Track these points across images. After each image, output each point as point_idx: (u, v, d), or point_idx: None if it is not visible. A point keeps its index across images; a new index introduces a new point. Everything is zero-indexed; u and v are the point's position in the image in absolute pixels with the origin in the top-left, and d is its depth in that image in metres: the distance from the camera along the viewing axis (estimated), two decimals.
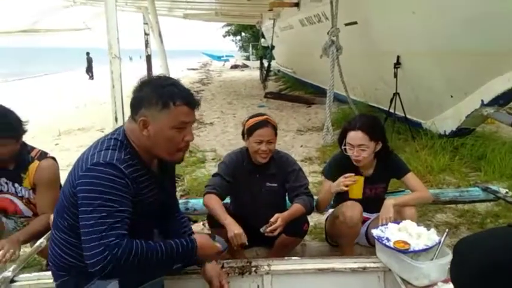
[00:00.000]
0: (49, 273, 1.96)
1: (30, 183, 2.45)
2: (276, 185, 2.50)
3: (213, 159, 5.64)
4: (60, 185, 2.69)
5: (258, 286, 2.01)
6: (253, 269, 1.99)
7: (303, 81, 12.90)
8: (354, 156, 2.39)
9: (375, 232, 1.97)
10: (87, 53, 23.75)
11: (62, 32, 10.20)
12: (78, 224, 1.46)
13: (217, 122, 8.52)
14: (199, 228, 3.48)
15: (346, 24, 6.47)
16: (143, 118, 1.50)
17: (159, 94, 1.50)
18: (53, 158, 2.53)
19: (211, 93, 13.75)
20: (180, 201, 3.31)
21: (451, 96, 5.23)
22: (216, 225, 2.34)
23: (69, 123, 8.70)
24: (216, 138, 7.08)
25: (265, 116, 2.48)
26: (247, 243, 2.17)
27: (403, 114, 5.88)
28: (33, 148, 2.51)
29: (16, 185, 2.48)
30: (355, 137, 2.37)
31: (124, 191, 1.44)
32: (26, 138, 2.51)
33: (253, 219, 2.39)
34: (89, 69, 23.53)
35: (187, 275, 1.92)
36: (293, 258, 2.07)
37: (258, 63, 19.26)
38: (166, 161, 1.67)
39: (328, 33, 5.95)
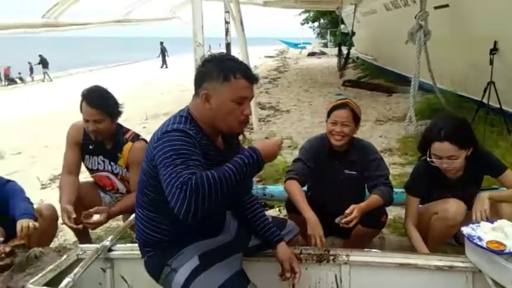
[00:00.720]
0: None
1: (124, 163, 2.67)
2: (355, 172, 2.46)
3: (289, 146, 5.66)
4: None
5: (336, 275, 2.00)
6: (331, 257, 1.99)
7: (384, 69, 12.31)
8: (444, 168, 2.22)
9: (465, 230, 1.85)
10: (161, 43, 25.13)
11: (152, 22, 10.79)
12: (158, 197, 1.56)
13: (294, 110, 8.51)
14: (275, 214, 3.54)
15: (436, 8, 6.02)
16: (205, 91, 1.59)
17: (220, 68, 1.58)
18: (145, 140, 2.72)
19: (287, 80, 13.72)
20: (258, 186, 3.40)
21: None
22: (293, 211, 2.36)
23: (155, 108, 9.27)
24: (292, 125, 7.08)
25: (346, 100, 2.47)
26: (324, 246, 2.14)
27: (498, 105, 5.36)
28: (128, 130, 2.72)
29: (112, 163, 2.71)
30: (443, 148, 2.16)
31: (194, 147, 1.51)
32: (119, 121, 2.73)
33: (331, 206, 2.37)
34: (163, 59, 24.88)
35: (265, 258, 1.98)
36: (373, 250, 2.03)
37: (335, 50, 18.78)
38: (229, 137, 1.76)
39: (415, 17, 5.60)
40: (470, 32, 5.87)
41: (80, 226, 2.40)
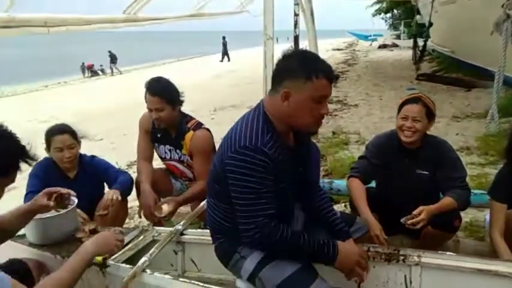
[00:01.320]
0: (208, 230, 2.23)
1: (187, 151, 2.76)
2: (427, 172, 2.31)
3: (356, 141, 5.52)
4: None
5: (405, 276, 1.93)
6: (401, 258, 1.92)
7: (462, 62, 11.47)
8: None
9: None
10: (223, 37, 25.92)
11: (222, 16, 11.05)
12: (227, 193, 1.62)
13: (362, 104, 8.26)
14: (341, 209, 3.49)
15: None
16: (286, 90, 1.57)
17: (303, 66, 1.56)
18: (207, 129, 2.78)
19: (356, 74, 13.33)
20: (325, 180, 3.36)
21: None
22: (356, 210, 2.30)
23: (223, 101, 9.52)
24: (361, 120, 6.88)
25: (420, 94, 2.33)
26: (386, 244, 2.07)
27: None
28: (191, 119, 2.79)
29: (178, 151, 2.82)
30: None
31: (269, 173, 1.54)
32: (187, 111, 2.83)
33: (399, 205, 2.28)
34: (224, 52, 25.67)
35: None
36: (448, 253, 1.91)
37: (409, 42, 17.85)
38: (302, 135, 1.75)
39: (502, 6, 5.13)
40: None
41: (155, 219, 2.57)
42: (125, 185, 2.64)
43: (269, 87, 4.87)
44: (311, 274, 1.61)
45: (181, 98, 2.72)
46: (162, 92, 2.61)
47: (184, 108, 2.84)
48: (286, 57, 1.64)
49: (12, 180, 1.43)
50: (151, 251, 1.93)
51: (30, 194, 2.38)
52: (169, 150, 2.86)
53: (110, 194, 2.52)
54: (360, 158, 2.47)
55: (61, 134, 2.54)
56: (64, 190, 1.90)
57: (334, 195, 3.32)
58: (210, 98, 10.14)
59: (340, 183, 3.19)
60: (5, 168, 1.39)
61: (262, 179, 1.53)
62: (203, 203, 2.52)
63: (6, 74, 24.52)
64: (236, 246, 1.71)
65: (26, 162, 1.44)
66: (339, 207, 3.45)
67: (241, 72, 16.25)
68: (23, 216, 1.80)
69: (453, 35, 12.18)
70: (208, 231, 2.25)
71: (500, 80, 4.93)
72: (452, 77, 10.43)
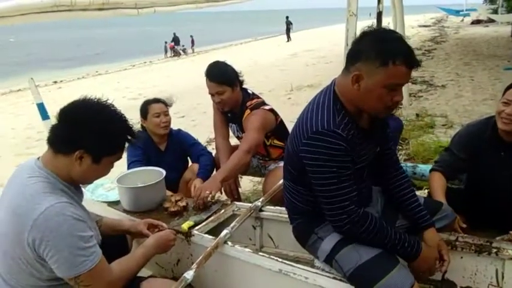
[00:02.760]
0: (284, 208, 2.26)
1: (243, 128, 2.76)
2: None
3: (443, 125, 5.17)
4: (287, 132, 2.93)
5: (497, 270, 1.79)
6: (494, 250, 1.78)
7: None
8: None
9: None
10: (287, 17, 25.87)
11: None
12: (303, 178, 1.61)
13: (451, 85, 7.67)
14: (425, 195, 3.30)
15: None
16: (357, 72, 1.46)
17: (379, 49, 1.42)
18: (269, 110, 2.70)
19: (444, 52, 12.38)
20: (408, 164, 3.21)
21: None
22: None
23: (300, 80, 9.43)
24: (448, 102, 6.40)
25: None
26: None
27: None
28: (253, 98, 2.77)
29: (242, 132, 2.83)
30: None
31: (347, 155, 1.49)
32: (265, 92, 2.82)
33: (491, 207, 2.04)
34: (287, 32, 25.55)
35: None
36: None
37: (508, 17, 16.06)
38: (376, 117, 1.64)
39: None
40: None
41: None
42: (209, 170, 2.79)
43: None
44: (392, 260, 1.54)
45: (240, 79, 2.73)
46: (219, 76, 2.65)
47: (263, 88, 2.86)
48: (363, 36, 1.50)
49: (120, 157, 1.56)
50: (232, 224, 2.01)
51: (134, 163, 2.66)
52: (237, 130, 2.92)
53: (195, 184, 2.55)
54: (445, 149, 2.25)
55: (157, 102, 2.84)
56: (161, 224, 1.94)
57: (418, 180, 3.16)
58: (287, 77, 10.09)
59: (426, 168, 3.01)
60: (116, 147, 1.52)
61: (341, 163, 1.48)
62: (280, 182, 2.54)
63: (99, 53, 26.74)
64: (314, 227, 1.71)
65: (130, 141, 1.55)
66: (422, 194, 3.28)
67: (319, 51, 15.90)
68: (118, 231, 1.90)
69: None
70: (285, 208, 2.31)
71: None
72: None
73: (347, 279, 1.59)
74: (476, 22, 23.69)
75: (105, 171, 1.55)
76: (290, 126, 3.11)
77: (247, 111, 2.73)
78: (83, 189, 1.71)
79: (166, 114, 2.83)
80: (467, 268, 1.86)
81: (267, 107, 2.76)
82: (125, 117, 1.54)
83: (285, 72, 11.38)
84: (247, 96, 2.80)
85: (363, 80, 1.47)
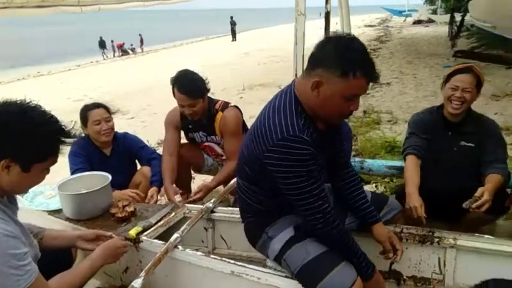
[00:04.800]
0: (237, 209, 2.24)
1: (219, 132, 2.78)
2: (473, 145, 2.25)
3: (388, 121, 5.38)
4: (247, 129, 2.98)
5: (439, 258, 1.89)
6: (436, 240, 1.87)
7: (504, 38, 10.86)
8: None
9: None
10: (231, 17, 26.03)
11: None
12: (259, 179, 1.60)
13: (395, 83, 8.01)
14: (372, 189, 3.42)
15: None
16: (318, 79, 1.45)
17: (341, 59, 1.41)
18: (235, 107, 2.78)
19: (389, 51, 12.91)
20: (356, 159, 3.30)
21: None
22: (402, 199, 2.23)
23: (252, 79, 9.46)
24: (393, 99, 6.68)
25: (470, 64, 2.27)
26: (424, 222, 2.01)
27: None
28: (217, 101, 2.79)
29: (212, 137, 2.84)
30: None
31: (311, 159, 1.47)
32: (217, 91, 2.82)
33: (444, 182, 2.23)
34: (232, 32, 25.66)
35: (363, 234, 1.93)
36: (485, 236, 1.84)
37: (446, 17, 16.99)
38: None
39: None
40: None
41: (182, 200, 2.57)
42: (161, 177, 2.71)
43: (299, 66, 4.79)
44: (336, 258, 1.57)
45: (207, 86, 2.70)
46: (192, 88, 2.58)
47: (215, 88, 2.83)
48: (326, 41, 1.49)
49: (55, 161, 1.43)
50: (182, 228, 1.96)
51: (77, 171, 2.49)
52: (205, 135, 2.87)
53: (151, 193, 2.63)
54: (408, 136, 2.40)
55: (97, 108, 2.67)
56: (108, 234, 1.82)
57: (366, 174, 3.26)
58: (239, 76, 10.09)
59: (373, 163, 3.11)
60: (45, 152, 1.38)
61: (309, 166, 1.47)
62: (233, 181, 2.53)
63: (41, 53, 25.30)
64: (264, 226, 1.72)
65: (65, 142, 1.42)
66: (369, 188, 3.39)
67: (270, 51, 16.04)
68: (61, 244, 1.77)
69: (495, 9, 11.51)
70: (236, 208, 2.29)
71: None
72: (492, 54, 9.92)
73: (295, 277, 1.60)
74: (418, 22, 24.93)
75: (38, 179, 1.42)
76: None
77: (219, 113, 2.73)
78: (20, 197, 1.59)
79: (108, 120, 2.67)
80: (412, 258, 1.94)
81: (232, 105, 2.79)
82: (55, 118, 1.40)
83: (237, 71, 11.38)
84: (210, 100, 2.78)
85: (322, 87, 1.46)
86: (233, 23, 26.06)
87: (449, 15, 14.49)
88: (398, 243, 1.77)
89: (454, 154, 2.28)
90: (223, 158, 2.94)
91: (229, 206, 2.86)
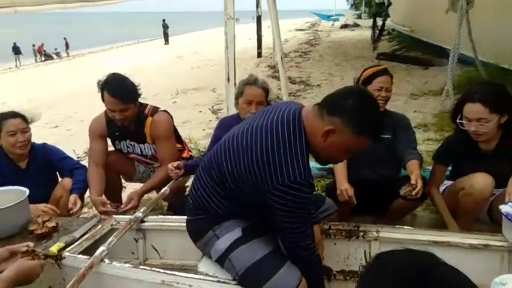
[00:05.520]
0: (172, 217, 2.20)
1: (150, 138, 2.70)
2: (389, 136, 2.45)
3: None
4: (179, 135, 2.93)
5: (365, 251, 1.98)
6: (361, 234, 1.96)
7: (421, 41, 11.79)
8: (472, 131, 2.14)
9: (504, 208, 1.78)
10: (163, 20, 25.66)
11: None
12: (236, 192, 1.60)
13: (325, 84, 8.34)
14: None
15: None
16: (332, 127, 1.48)
17: (362, 120, 1.48)
18: (165, 111, 2.72)
19: (319, 54, 13.41)
20: None
21: None
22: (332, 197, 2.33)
23: (186, 83, 9.33)
24: None
25: (383, 66, 2.51)
26: (355, 202, 2.15)
27: None
28: (146, 105, 2.72)
29: (140, 145, 2.73)
30: (473, 110, 2.09)
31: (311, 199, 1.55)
32: (149, 96, 2.75)
33: (364, 173, 2.41)
34: (165, 35, 25.31)
35: None
36: (405, 227, 1.98)
37: (370, 22, 18.05)
38: None
39: None
40: None
41: (112, 210, 2.47)
42: (84, 185, 2.57)
43: (230, 69, 4.77)
44: (281, 258, 1.60)
45: (139, 91, 2.61)
46: (124, 93, 2.49)
47: (147, 93, 2.75)
48: (351, 93, 1.53)
49: None
50: (109, 240, 1.87)
51: None
52: (131, 144, 2.77)
53: (72, 200, 2.45)
54: None
55: (13, 117, 2.46)
56: (23, 248, 1.64)
57: None
58: (172, 81, 9.92)
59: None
60: None
61: (309, 204, 1.56)
62: (165, 188, 2.48)
63: None
64: (213, 225, 1.69)
65: None
66: None
67: (204, 54, 15.95)
68: None
69: (411, 14, 12.46)
70: (170, 216, 2.24)
71: (455, 58, 5.10)
72: (411, 56, 10.71)
73: (238, 278, 1.60)
74: (345, 26, 26.15)
75: None
76: (180, 131, 3.06)
77: (149, 118, 2.64)
78: None
79: (25, 131, 2.47)
80: (340, 253, 2.02)
81: (162, 110, 2.73)
82: None
83: (170, 75, 11.17)
84: (139, 104, 2.69)
85: (333, 135, 1.50)
86: (165, 26, 25.56)
87: (372, 20, 15.43)
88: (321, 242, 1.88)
89: (376, 146, 2.39)
90: (156, 165, 2.86)
91: (163, 214, 2.79)
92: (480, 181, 2.11)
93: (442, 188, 2.46)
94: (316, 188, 3.48)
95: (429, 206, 2.94)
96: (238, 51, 14.04)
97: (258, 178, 1.50)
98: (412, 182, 2.13)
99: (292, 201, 1.47)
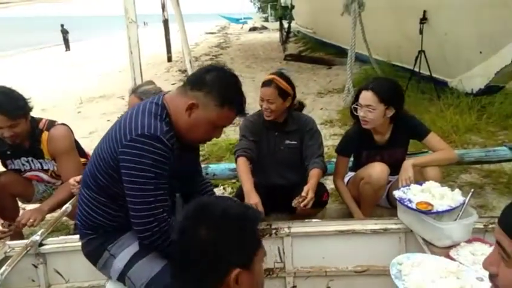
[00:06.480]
0: (76, 236, 2.03)
1: (48, 154, 2.49)
2: (295, 142, 2.52)
3: (232, 123, 5.62)
4: (81, 148, 2.74)
5: (279, 248, 2.03)
6: (274, 231, 2.01)
7: (324, 42, 12.52)
8: (361, 117, 2.33)
9: (397, 194, 1.94)
10: (62, 25, 24.04)
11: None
12: (112, 187, 1.51)
13: None
14: (220, 192, 3.53)
15: None
16: (195, 101, 1.49)
17: (223, 91, 1.50)
18: (64, 124, 2.55)
19: (229, 57, 13.55)
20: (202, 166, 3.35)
21: (480, 52, 4.97)
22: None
23: (91, 91, 8.80)
24: None
25: (273, 76, 2.42)
26: (263, 216, 2.17)
27: (429, 73, 5.66)
28: (40, 119, 2.51)
29: (40, 160, 2.52)
30: (365, 96, 2.31)
31: (167, 163, 1.45)
32: (48, 108, 2.53)
33: (275, 178, 2.48)
34: (65, 41, 23.67)
35: None
36: (313, 220, 2.07)
37: (277, 24, 18.75)
38: None
39: None
40: (401, 2, 6.08)
41: (10, 230, 2.22)
42: None
43: (138, 75, 4.59)
44: None
45: (29, 105, 2.38)
46: (13, 108, 2.25)
47: (45, 104, 2.52)
48: (212, 69, 1.55)
49: None
50: (1, 270, 1.68)
51: None
52: (27, 161, 2.52)
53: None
54: (240, 139, 2.57)
55: None
56: None
57: (211, 179, 3.32)
58: (76, 89, 9.28)
59: (216, 168, 3.20)
60: None
61: (162, 170, 1.44)
62: (66, 206, 2.29)
63: None
64: (106, 244, 1.61)
65: None
66: (218, 191, 3.48)
67: (112, 60, 15.18)
68: None
69: (313, 17, 13.17)
70: (72, 236, 2.08)
71: (352, 57, 5.47)
72: (315, 57, 11.32)
73: None
74: (253, 29, 26.82)
75: None
76: (83, 141, 2.86)
77: (44, 133, 2.42)
78: None
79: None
80: None
81: (60, 123, 2.52)
82: None
83: (72, 84, 10.43)
84: (33, 119, 2.44)
85: (196, 110, 1.50)
86: (64, 32, 23.75)
87: (278, 23, 16.03)
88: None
89: (282, 152, 2.52)
90: (58, 184, 2.63)
91: (70, 234, 2.58)
92: (377, 170, 2.29)
93: (346, 179, 2.62)
94: (232, 190, 3.50)
95: (338, 198, 3.12)
96: (148, 56, 13.67)
97: (111, 148, 1.47)
98: (303, 193, 2.19)
99: (140, 155, 1.40)
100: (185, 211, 1.03)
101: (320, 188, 2.40)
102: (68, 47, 23.42)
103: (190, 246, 0.98)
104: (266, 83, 2.41)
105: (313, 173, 2.35)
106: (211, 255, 0.96)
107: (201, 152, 4.37)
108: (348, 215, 2.63)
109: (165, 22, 12.29)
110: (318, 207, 2.44)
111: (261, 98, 2.41)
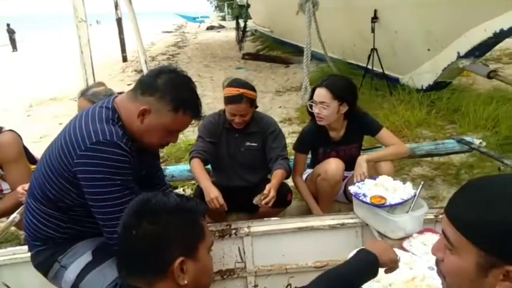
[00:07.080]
0: (25, 247, 1.93)
1: None
2: (256, 144, 2.50)
3: (191, 124, 5.55)
4: (30, 155, 2.61)
5: (239, 248, 2.02)
6: (234, 231, 2.00)
7: (281, 41, 12.64)
8: (316, 114, 2.38)
9: (352, 189, 1.99)
10: (8, 25, 23.00)
11: None
12: (65, 198, 1.45)
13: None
14: (182, 192, 3.47)
15: None
16: (147, 107, 1.43)
17: (175, 95, 1.44)
18: (11, 130, 2.43)
19: (187, 56, 13.39)
20: None
21: (428, 50, 5.21)
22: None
23: (41, 94, 8.41)
24: None
25: (241, 90, 2.31)
26: (226, 209, 2.16)
27: (381, 70, 5.85)
28: None
29: None
30: (319, 93, 2.35)
31: (129, 167, 1.40)
32: None
33: (235, 180, 2.47)
34: (11, 41, 22.58)
35: None
36: (272, 219, 2.09)
37: (234, 23, 18.74)
38: None
39: None
40: (353, 2, 6.24)
41: None
42: None
43: (89, 74, 4.44)
44: None
45: None
46: None
47: None
48: (162, 72, 1.47)
49: None
50: None
51: None
52: None
53: None
54: (196, 140, 2.53)
55: None
56: None
57: (170, 181, 3.27)
58: (24, 92, 8.83)
59: (174, 169, 3.15)
60: None
61: (125, 175, 1.39)
62: (13, 215, 2.17)
63: None
64: (57, 255, 1.55)
65: None
66: (177, 192, 3.43)
67: (63, 60, 14.55)
68: None
69: (270, 16, 13.25)
70: (22, 247, 1.97)
71: (309, 55, 5.56)
72: (273, 55, 11.42)
73: None
74: (211, 28, 26.64)
75: None
76: (34, 146, 2.72)
77: None
78: None
79: None
80: (216, 253, 2.02)
81: (7, 129, 2.37)
82: None
83: (20, 86, 9.92)
84: None
85: (149, 115, 1.44)
86: (11, 31, 22.52)
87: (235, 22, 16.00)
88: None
89: (242, 154, 2.50)
90: (6, 192, 2.49)
91: (21, 245, 2.45)
92: (332, 166, 2.34)
93: (304, 176, 2.66)
94: (192, 191, 3.46)
95: (297, 195, 3.16)
96: (102, 55, 13.22)
97: (63, 159, 1.40)
98: (265, 191, 2.19)
99: (100, 165, 1.35)
100: (128, 208, 1.06)
101: (284, 188, 2.42)
102: (15, 47, 22.22)
103: (134, 240, 1.01)
104: (236, 99, 2.30)
105: (276, 173, 2.35)
106: (154, 247, 0.99)
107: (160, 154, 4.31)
108: (308, 212, 2.67)
109: (119, 21, 11.93)
110: (281, 206, 2.47)
111: (233, 114, 2.35)
